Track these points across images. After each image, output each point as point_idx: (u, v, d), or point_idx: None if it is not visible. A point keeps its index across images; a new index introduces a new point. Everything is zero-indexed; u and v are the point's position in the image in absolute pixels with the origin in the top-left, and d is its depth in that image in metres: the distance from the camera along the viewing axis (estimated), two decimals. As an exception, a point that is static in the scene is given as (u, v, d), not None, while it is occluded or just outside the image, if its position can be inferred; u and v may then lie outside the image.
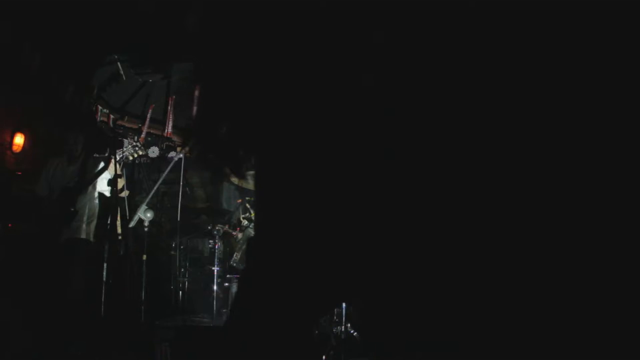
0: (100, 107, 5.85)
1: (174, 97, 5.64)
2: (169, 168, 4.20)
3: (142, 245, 3.95)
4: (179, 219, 4.67)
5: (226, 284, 4.61)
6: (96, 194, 4.51)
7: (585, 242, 0.82)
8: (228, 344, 1.00)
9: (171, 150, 5.84)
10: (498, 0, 0.85)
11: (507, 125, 0.84)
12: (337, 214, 0.86)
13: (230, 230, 4.88)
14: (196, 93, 4.90)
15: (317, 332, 3.96)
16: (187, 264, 5.19)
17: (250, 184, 4.28)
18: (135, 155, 4.39)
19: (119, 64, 5.42)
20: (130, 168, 4.63)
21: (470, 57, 0.85)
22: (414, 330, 0.91)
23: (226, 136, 1.00)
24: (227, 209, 6.64)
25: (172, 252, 4.95)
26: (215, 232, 4.85)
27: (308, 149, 0.88)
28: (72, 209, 4.43)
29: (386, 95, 0.87)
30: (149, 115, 5.77)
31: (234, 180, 4.35)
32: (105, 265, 3.63)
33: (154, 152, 5.48)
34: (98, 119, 5.97)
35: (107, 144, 4.64)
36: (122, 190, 4.22)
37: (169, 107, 5.64)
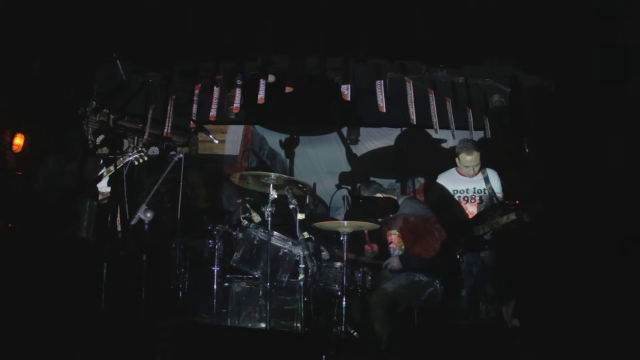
0: (100, 107, 5.85)
1: (174, 97, 5.64)
2: (169, 168, 4.20)
3: (142, 245, 3.94)
4: (179, 219, 4.66)
5: (226, 284, 4.61)
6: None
7: None
8: None
9: (171, 150, 5.84)
10: None
11: None
12: None
13: (230, 230, 4.88)
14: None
15: (317, 332, 3.96)
16: (187, 264, 5.18)
17: (250, 184, 4.28)
18: (141, 161, 4.42)
19: (118, 63, 5.42)
20: (130, 168, 4.63)
21: None
22: None
23: None
24: (227, 209, 6.64)
25: (172, 252, 4.95)
26: (215, 232, 4.84)
27: None
28: (72, 209, 4.44)
29: None
30: (150, 116, 5.77)
31: (235, 180, 4.35)
32: (105, 265, 3.63)
33: (154, 151, 5.49)
34: (98, 118, 5.97)
35: (108, 143, 4.66)
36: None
37: (169, 107, 5.64)
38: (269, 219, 3.93)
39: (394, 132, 7.29)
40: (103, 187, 4.49)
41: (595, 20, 4.37)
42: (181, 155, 4.29)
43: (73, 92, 5.38)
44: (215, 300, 4.63)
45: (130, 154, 4.39)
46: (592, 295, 4.03)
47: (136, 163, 4.42)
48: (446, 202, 4.88)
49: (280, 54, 5.09)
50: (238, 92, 5.26)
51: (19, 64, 4.88)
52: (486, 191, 4.77)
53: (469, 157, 4.72)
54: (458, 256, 4.54)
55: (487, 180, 4.78)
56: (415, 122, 5.30)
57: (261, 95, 5.06)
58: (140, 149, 4.46)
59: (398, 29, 4.85)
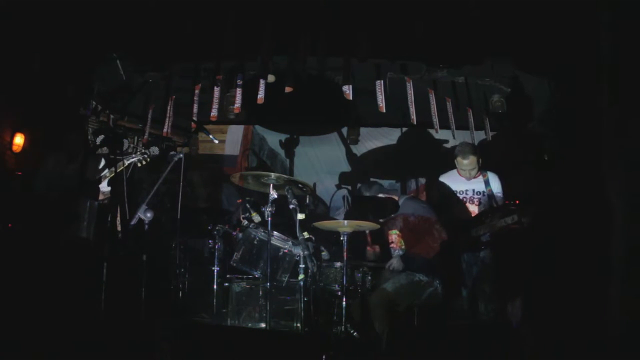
0: (100, 108, 5.85)
1: (173, 97, 5.64)
2: (169, 168, 4.20)
3: (142, 245, 3.95)
4: (179, 219, 4.67)
5: (226, 284, 4.61)
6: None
7: None
8: None
9: (171, 150, 5.84)
10: None
11: None
12: None
13: (230, 230, 4.87)
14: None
15: (317, 332, 3.96)
16: (187, 264, 5.18)
17: (250, 184, 4.28)
18: (144, 162, 4.43)
19: (118, 63, 5.42)
20: (130, 167, 4.63)
21: None
22: None
23: None
24: (227, 209, 6.65)
25: (172, 252, 4.94)
26: (215, 232, 4.84)
27: None
28: (73, 209, 4.44)
29: None
30: (150, 116, 5.77)
31: (235, 180, 4.35)
32: (105, 265, 3.62)
33: (154, 151, 5.48)
34: (98, 118, 5.97)
35: (108, 143, 4.66)
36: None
37: (169, 107, 5.64)
38: (269, 219, 3.93)
39: (394, 132, 7.29)
40: (103, 187, 4.50)
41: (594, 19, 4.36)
42: (181, 155, 4.29)
43: (73, 92, 5.37)
44: (215, 300, 4.63)
45: (133, 155, 4.41)
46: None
47: (139, 165, 4.45)
48: (449, 201, 4.89)
49: (280, 54, 5.09)
50: (238, 92, 5.26)
51: (19, 63, 4.88)
52: (485, 193, 4.78)
53: (465, 162, 4.77)
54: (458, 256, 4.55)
55: (487, 182, 4.80)
56: (415, 122, 5.31)
57: (261, 95, 5.06)
58: (143, 150, 4.49)
59: (398, 29, 4.85)
